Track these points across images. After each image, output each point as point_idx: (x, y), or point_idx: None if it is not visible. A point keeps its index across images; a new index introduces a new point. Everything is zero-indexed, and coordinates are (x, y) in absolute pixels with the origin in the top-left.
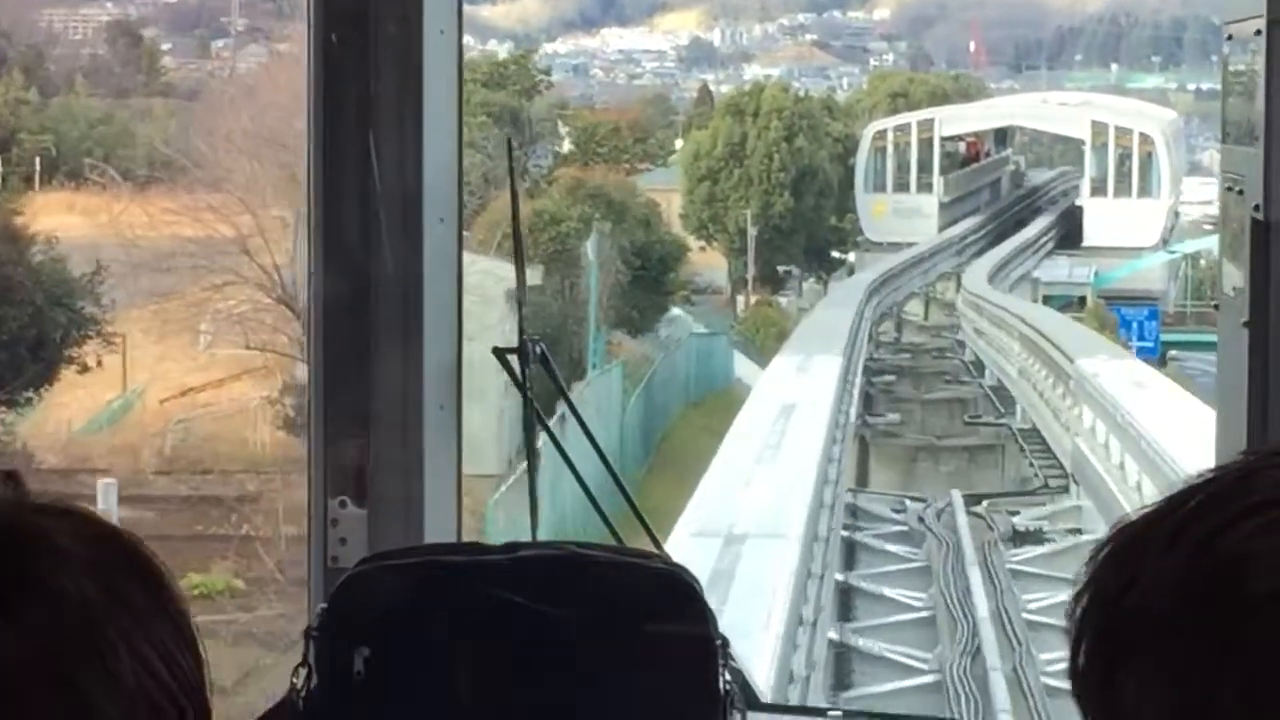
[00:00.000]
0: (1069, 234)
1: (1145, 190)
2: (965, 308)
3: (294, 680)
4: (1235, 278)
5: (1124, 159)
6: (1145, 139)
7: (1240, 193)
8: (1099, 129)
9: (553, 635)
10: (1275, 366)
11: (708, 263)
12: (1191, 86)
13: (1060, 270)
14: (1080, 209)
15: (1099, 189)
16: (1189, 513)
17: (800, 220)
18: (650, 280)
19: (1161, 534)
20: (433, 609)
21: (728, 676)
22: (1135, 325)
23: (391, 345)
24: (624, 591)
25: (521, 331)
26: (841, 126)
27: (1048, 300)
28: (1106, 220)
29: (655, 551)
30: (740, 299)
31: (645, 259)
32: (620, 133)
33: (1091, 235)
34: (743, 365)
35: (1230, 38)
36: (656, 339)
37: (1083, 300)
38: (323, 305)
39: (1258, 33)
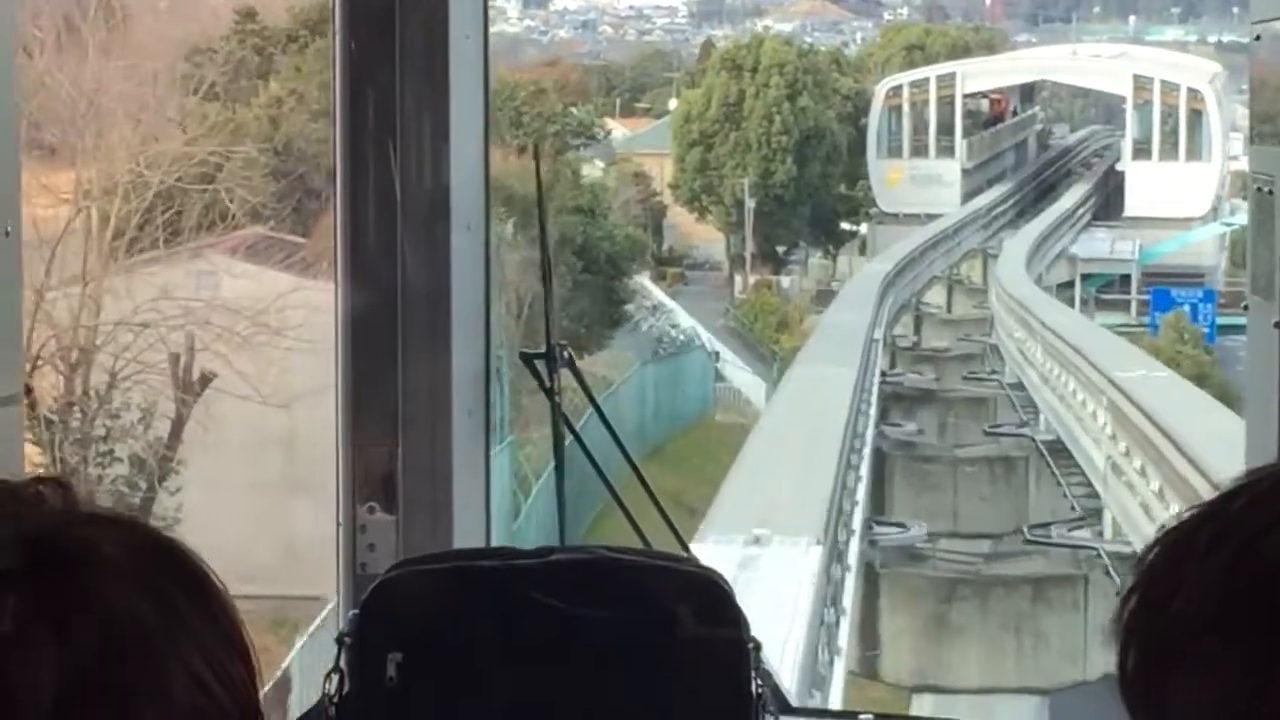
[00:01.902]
0: (1107, 203)
1: (1194, 153)
2: (1002, 311)
3: (326, 687)
4: (1263, 278)
5: (1168, 117)
6: (1194, 95)
7: (1270, 193)
8: (1142, 84)
9: (586, 638)
10: None
11: (706, 235)
12: (1212, 39)
13: (1100, 245)
14: (1121, 174)
15: (1142, 151)
16: (1232, 516)
17: (805, 189)
18: (597, 288)
19: (1205, 537)
20: (465, 613)
21: (759, 679)
22: (1189, 309)
23: (419, 352)
24: (656, 594)
25: (549, 336)
26: (851, 83)
27: (1086, 279)
28: (1151, 187)
29: (685, 554)
30: (739, 279)
31: (589, 260)
32: (545, 97)
33: (1134, 204)
34: (733, 373)
35: (1258, 38)
36: (617, 358)
37: (1126, 279)
38: (350, 313)
39: None
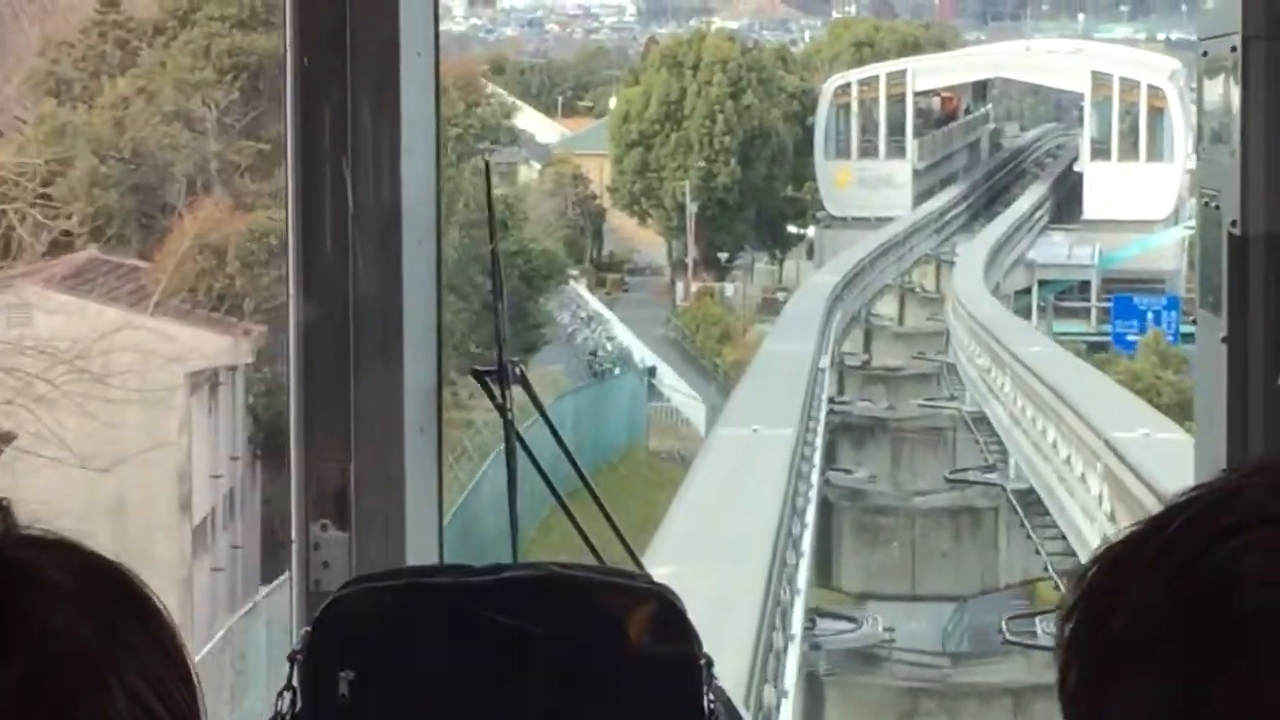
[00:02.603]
0: (1064, 205)
1: (1155, 153)
2: (960, 329)
3: (279, 705)
4: (1211, 292)
5: (1126, 115)
6: (1155, 92)
7: (1217, 207)
8: (1101, 81)
9: (538, 655)
10: (1254, 383)
11: (649, 238)
12: (1161, 36)
13: (1057, 249)
14: (1078, 175)
15: (1101, 151)
16: (1173, 532)
17: (749, 192)
18: (509, 309)
19: (1146, 554)
20: (417, 630)
21: (712, 695)
22: (1152, 317)
23: (371, 368)
24: (609, 610)
25: (500, 353)
26: (798, 81)
27: (1043, 286)
28: (1110, 189)
29: (637, 571)
30: (680, 286)
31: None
32: (444, 96)
33: (1093, 207)
34: (672, 389)
35: (1206, 54)
36: (539, 382)
37: (1085, 285)
38: (302, 329)
39: (1233, 48)
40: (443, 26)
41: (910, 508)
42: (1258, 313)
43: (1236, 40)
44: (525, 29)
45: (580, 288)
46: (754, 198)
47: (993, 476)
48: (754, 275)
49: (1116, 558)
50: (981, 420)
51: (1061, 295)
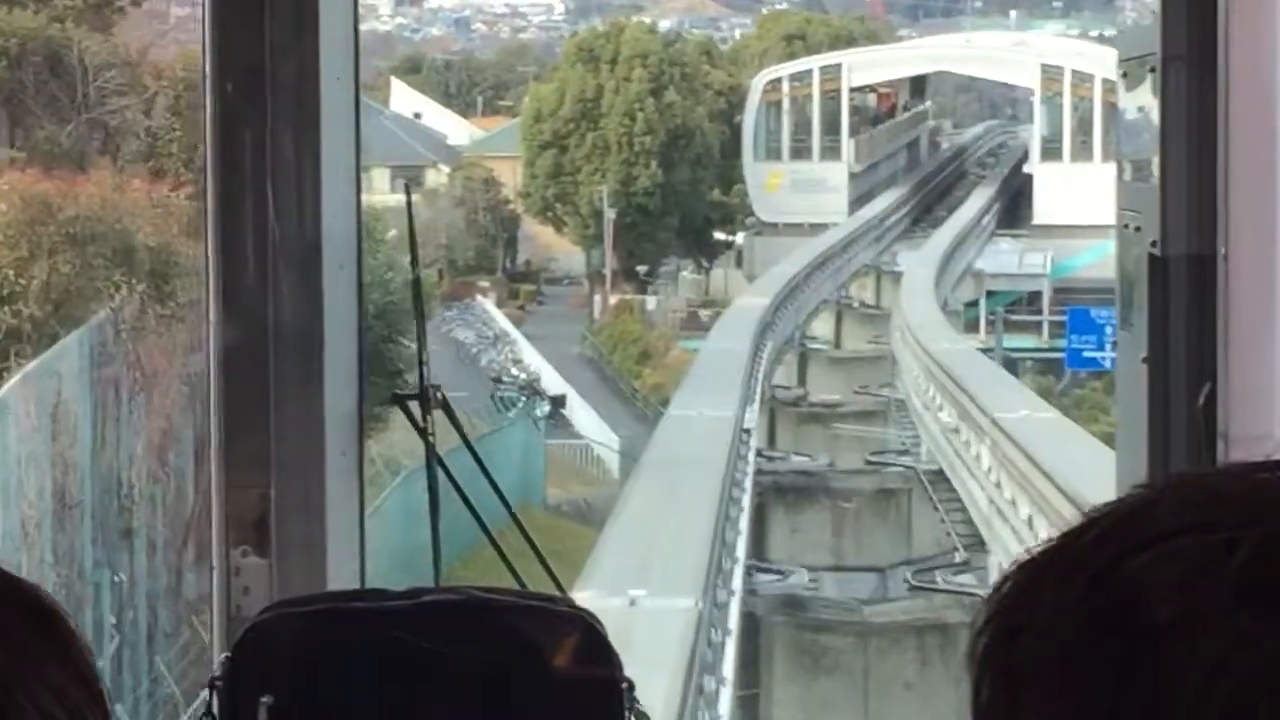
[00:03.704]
0: (1012, 209)
1: (1111, 152)
2: (911, 360)
3: None
4: (1133, 313)
5: (1076, 109)
6: (1111, 87)
7: (1138, 229)
8: (1052, 75)
9: (457, 679)
10: (1175, 401)
11: (568, 245)
12: (1094, 33)
13: (1007, 258)
14: (1027, 177)
15: (1052, 151)
16: (1087, 545)
17: (672, 196)
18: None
19: (1059, 567)
20: (335, 655)
21: (633, 718)
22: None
23: (292, 393)
24: (529, 634)
25: (422, 378)
26: (725, 77)
27: (991, 297)
28: (1062, 191)
29: (559, 595)
30: (599, 299)
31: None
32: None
33: (1044, 211)
34: (584, 420)
35: (1125, 75)
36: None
37: (1035, 296)
38: (222, 354)
39: (1152, 70)
40: (368, 26)
41: (862, 623)
42: (1178, 333)
43: (1156, 61)
44: (451, 28)
45: (488, 303)
46: (677, 203)
47: (967, 580)
48: (679, 286)
49: (1030, 572)
50: (941, 480)
51: (1011, 307)
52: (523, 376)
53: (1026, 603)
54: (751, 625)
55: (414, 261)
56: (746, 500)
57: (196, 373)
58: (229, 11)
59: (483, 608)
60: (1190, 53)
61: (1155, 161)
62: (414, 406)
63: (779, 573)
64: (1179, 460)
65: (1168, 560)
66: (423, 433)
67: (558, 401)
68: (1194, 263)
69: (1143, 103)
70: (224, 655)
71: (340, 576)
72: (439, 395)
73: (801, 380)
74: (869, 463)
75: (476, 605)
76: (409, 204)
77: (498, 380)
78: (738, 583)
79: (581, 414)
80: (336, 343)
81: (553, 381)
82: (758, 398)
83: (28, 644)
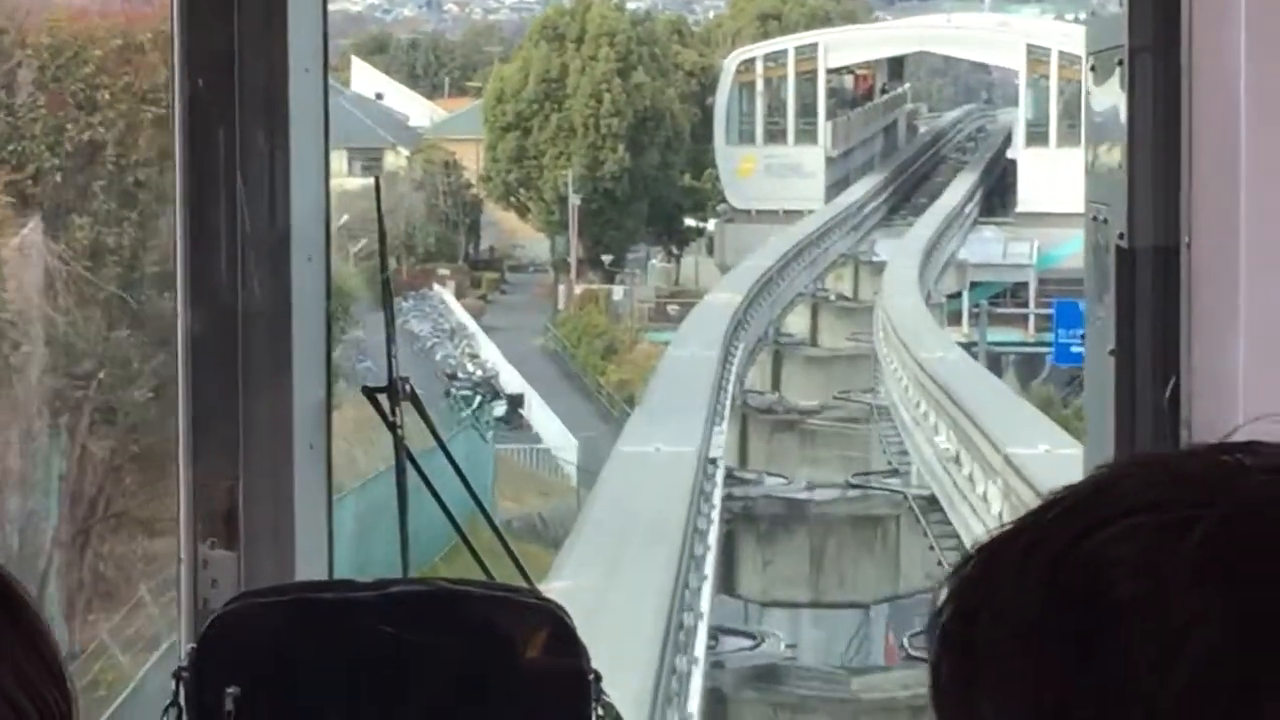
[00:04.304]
0: (995, 196)
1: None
2: (897, 364)
3: None
4: (1101, 306)
5: (1064, 93)
6: None
7: (1105, 221)
8: (1038, 56)
9: (423, 669)
10: (1142, 394)
11: (534, 231)
12: (1070, 16)
13: (991, 247)
14: (1011, 162)
15: (1037, 135)
16: (1047, 525)
17: (640, 182)
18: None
19: (1019, 547)
20: (302, 645)
21: (600, 711)
22: None
23: (260, 385)
24: (496, 625)
25: (391, 370)
26: (696, 57)
27: (974, 288)
28: (1048, 178)
29: (526, 587)
30: (563, 289)
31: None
32: (142, 60)
33: (1028, 198)
34: (543, 421)
35: (1094, 68)
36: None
37: (1020, 287)
38: (190, 346)
39: (1120, 61)
40: (339, 7)
41: (850, 700)
42: (1145, 325)
43: (1124, 53)
44: (423, 9)
45: (446, 293)
46: (646, 188)
47: None
48: (649, 275)
49: (992, 552)
50: (934, 508)
51: (995, 299)
52: (479, 373)
53: (987, 582)
54: (717, 705)
55: (382, 255)
56: (711, 557)
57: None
58: (198, 5)
59: (450, 598)
60: (1156, 44)
61: (1123, 153)
62: (382, 399)
63: (750, 637)
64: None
65: (1127, 538)
66: (392, 426)
67: (515, 401)
68: (1160, 254)
69: (1111, 94)
70: (190, 646)
71: (308, 568)
72: (408, 388)
73: (775, 382)
74: (852, 485)
75: (444, 596)
76: (379, 201)
77: (452, 377)
78: (700, 650)
79: (540, 415)
80: (305, 334)
81: (511, 379)
82: (726, 414)
83: None
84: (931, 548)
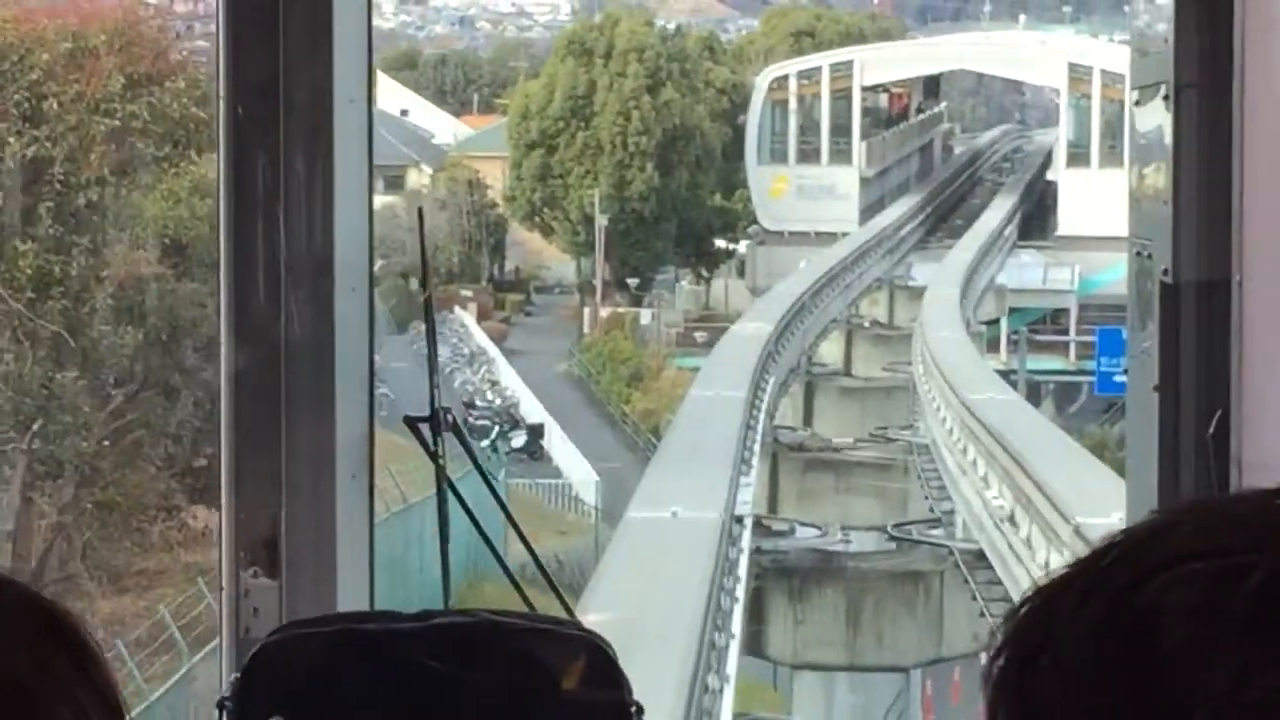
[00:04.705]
0: (1034, 219)
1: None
2: (939, 400)
3: None
4: (1145, 341)
5: (1105, 113)
6: None
7: (1149, 256)
8: (1080, 75)
9: (468, 700)
10: (1185, 430)
11: (558, 253)
12: (1104, 38)
13: (1030, 272)
14: (1051, 184)
15: (1079, 156)
16: (1102, 570)
17: (669, 202)
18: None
19: (1075, 592)
20: (346, 675)
21: None
22: None
23: (303, 414)
24: (538, 656)
25: (433, 400)
26: (728, 74)
27: (1013, 314)
28: (1090, 200)
29: (568, 618)
30: (589, 312)
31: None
32: (93, 66)
33: (1069, 221)
34: (563, 455)
35: (1138, 102)
36: None
37: (1059, 314)
38: (233, 376)
39: (1165, 98)
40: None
41: None
42: (1188, 361)
43: (1169, 88)
44: (456, 26)
45: (467, 316)
46: (675, 209)
47: None
48: (677, 297)
49: (1047, 595)
50: (981, 564)
51: (1034, 325)
52: (498, 401)
53: (1043, 626)
54: None
55: (425, 282)
56: (734, 648)
57: None
58: (243, 33)
59: (493, 630)
60: (1202, 80)
61: (1168, 189)
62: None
63: None
64: (1188, 489)
65: (1182, 584)
66: (434, 456)
67: (535, 431)
68: (1205, 290)
69: (1155, 129)
70: (234, 676)
71: (350, 598)
72: (450, 418)
73: (808, 415)
74: (892, 536)
75: (487, 627)
76: (421, 229)
77: (470, 405)
78: None
79: (561, 446)
80: (348, 364)
81: (532, 408)
82: (755, 460)
83: (57, 665)
84: (982, 614)
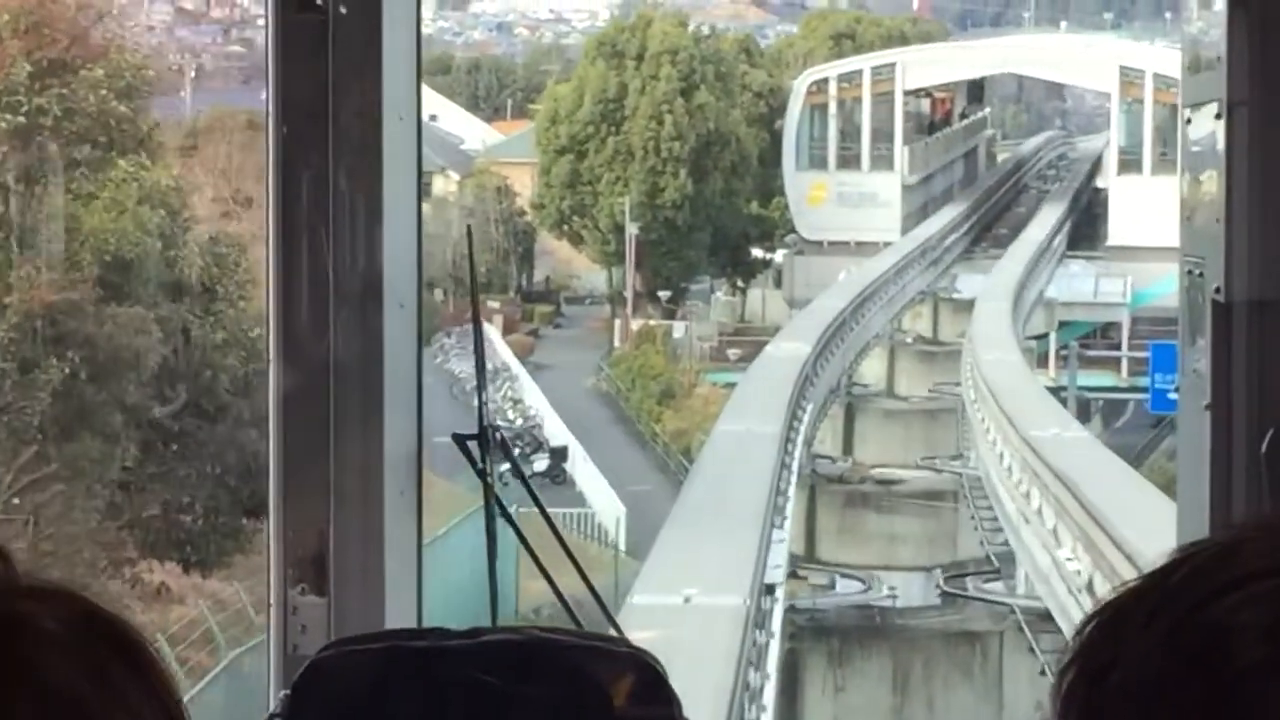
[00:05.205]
0: (1083, 228)
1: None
2: (993, 431)
3: None
4: (1196, 360)
5: (1157, 118)
6: None
7: (1201, 275)
8: (1131, 79)
9: (520, 717)
10: (1238, 450)
11: (589, 262)
12: (1144, 44)
13: (1081, 284)
14: (1099, 193)
15: (1130, 163)
16: (1173, 586)
17: (703, 210)
18: (170, 457)
19: (1146, 607)
20: (396, 692)
21: None
22: None
23: (351, 431)
24: (588, 673)
25: (482, 418)
26: (765, 77)
27: (1063, 328)
28: (1142, 208)
29: (616, 635)
30: (620, 325)
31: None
32: (70, 81)
33: (1120, 231)
34: (587, 481)
35: (1189, 121)
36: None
37: (1109, 327)
38: (282, 393)
39: (1218, 115)
40: None
41: None
42: (1240, 380)
43: (1221, 106)
44: (494, 33)
45: (491, 329)
46: (709, 217)
47: None
48: (712, 308)
49: (1117, 611)
50: (1046, 625)
51: (1084, 339)
52: (520, 421)
53: (1111, 644)
54: None
55: (474, 300)
56: (770, 688)
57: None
58: (292, 51)
59: (543, 647)
60: (1253, 96)
61: (1221, 206)
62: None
63: None
64: (1239, 510)
65: (1254, 603)
66: (481, 474)
67: (559, 454)
68: (1258, 308)
69: (1207, 145)
70: (283, 692)
71: (398, 615)
72: (498, 436)
73: (848, 442)
74: (945, 594)
75: (537, 644)
76: (470, 247)
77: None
78: None
79: (585, 471)
80: (396, 382)
81: (556, 428)
82: (790, 508)
83: (113, 673)
84: (1044, 672)
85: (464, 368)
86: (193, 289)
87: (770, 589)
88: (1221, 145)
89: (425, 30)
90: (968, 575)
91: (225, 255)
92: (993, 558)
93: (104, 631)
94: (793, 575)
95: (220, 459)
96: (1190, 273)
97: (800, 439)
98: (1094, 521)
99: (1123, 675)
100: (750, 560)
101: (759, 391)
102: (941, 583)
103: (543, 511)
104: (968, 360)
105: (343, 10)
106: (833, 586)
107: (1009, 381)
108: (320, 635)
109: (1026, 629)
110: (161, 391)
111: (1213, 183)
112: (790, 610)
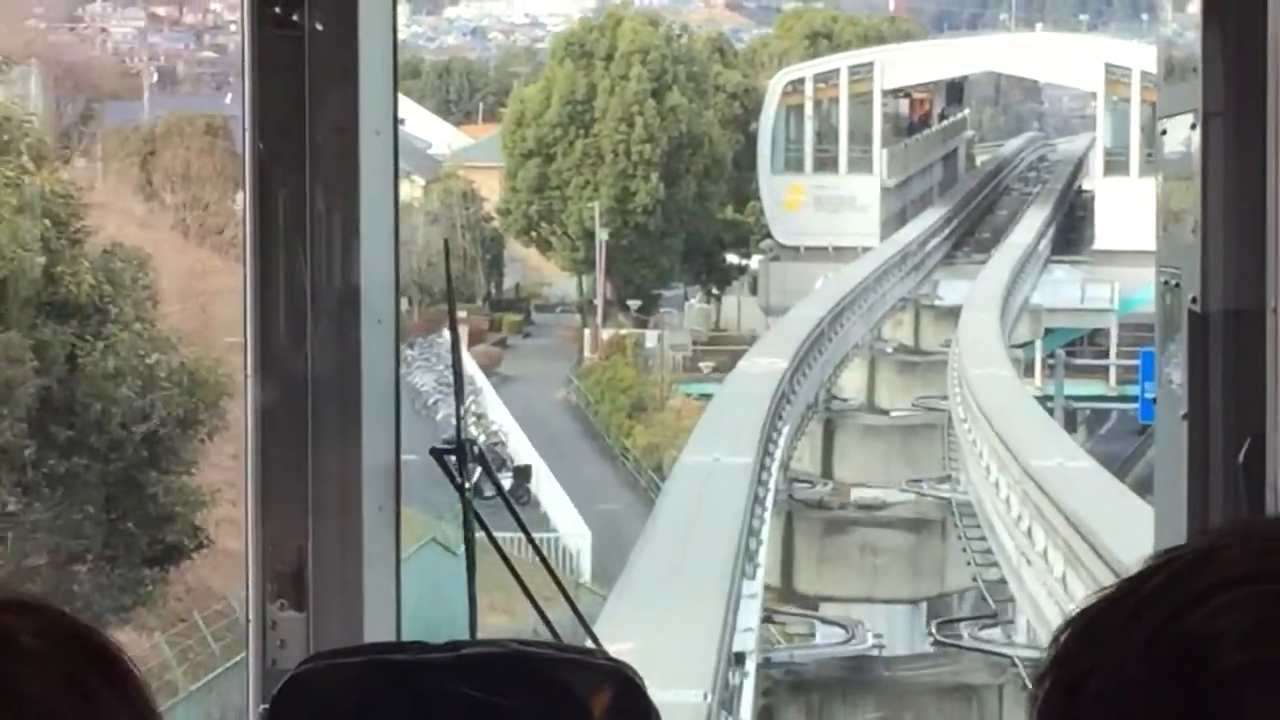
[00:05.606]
0: (1068, 232)
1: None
2: (985, 453)
3: None
4: (1173, 370)
5: (1144, 117)
6: None
7: (1177, 285)
8: (1117, 77)
9: None
10: (1215, 460)
11: (560, 269)
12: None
13: (1067, 290)
14: (1084, 195)
15: (1117, 164)
16: (1149, 593)
17: (675, 215)
18: (92, 489)
19: (1122, 615)
20: (376, 705)
21: None
22: None
23: (329, 446)
24: (567, 686)
25: (460, 432)
26: (739, 77)
27: (1048, 335)
28: (1130, 210)
29: (595, 648)
30: (590, 334)
31: (76, 427)
32: None
33: (1107, 234)
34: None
35: (1165, 132)
36: None
37: (1097, 334)
38: (260, 408)
39: (1193, 126)
40: None
41: None
42: (1217, 389)
43: (1196, 117)
44: (468, 37)
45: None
46: (682, 222)
47: None
48: (686, 316)
49: (1092, 619)
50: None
51: (1070, 347)
52: (482, 438)
53: (1088, 652)
54: None
55: (451, 312)
56: None
57: None
58: (268, 67)
59: (523, 660)
60: (1229, 108)
61: (1196, 217)
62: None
63: None
64: (1217, 515)
65: (1232, 609)
66: (460, 488)
67: (522, 473)
68: (1234, 319)
69: (1182, 156)
70: (262, 707)
71: (377, 630)
72: (475, 449)
73: (827, 462)
74: (938, 642)
75: (516, 657)
76: (448, 261)
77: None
78: None
79: (550, 491)
80: (374, 396)
81: (520, 446)
82: (763, 553)
83: (90, 687)
84: None
85: (426, 380)
86: (82, 309)
87: (740, 658)
88: (1197, 156)
89: (399, 36)
90: (961, 621)
91: (120, 270)
92: (987, 597)
93: (81, 645)
94: (768, 620)
95: (115, 503)
96: (1166, 283)
97: (775, 465)
98: (1111, 571)
99: (1100, 683)
100: (714, 638)
101: (730, 415)
102: (934, 630)
103: (522, 527)
104: (954, 374)
105: (319, 26)
106: (812, 635)
107: (1001, 400)
108: (299, 649)
109: (1030, 683)
110: (43, 427)
111: (1189, 193)
112: (764, 665)
